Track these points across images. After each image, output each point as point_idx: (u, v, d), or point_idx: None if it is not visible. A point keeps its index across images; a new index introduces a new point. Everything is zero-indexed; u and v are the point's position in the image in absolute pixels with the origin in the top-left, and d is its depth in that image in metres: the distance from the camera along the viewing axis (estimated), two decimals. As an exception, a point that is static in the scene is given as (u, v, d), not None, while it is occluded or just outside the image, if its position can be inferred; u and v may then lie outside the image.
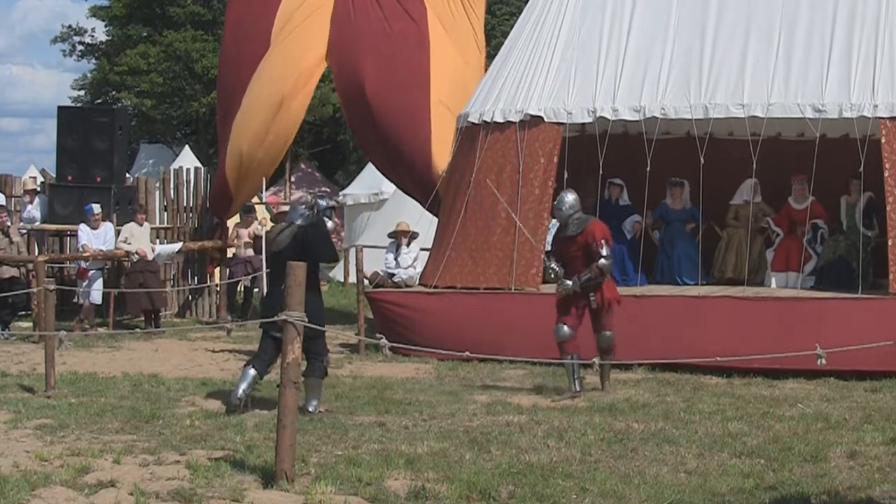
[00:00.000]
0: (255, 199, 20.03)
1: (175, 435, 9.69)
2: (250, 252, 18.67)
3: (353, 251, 20.20)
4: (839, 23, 14.38)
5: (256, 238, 15.66)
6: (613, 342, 12.00)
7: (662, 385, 12.61)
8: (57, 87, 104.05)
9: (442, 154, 16.89)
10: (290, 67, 18.29)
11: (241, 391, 10.72)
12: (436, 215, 16.57)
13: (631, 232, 16.00)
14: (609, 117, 14.80)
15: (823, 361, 10.16)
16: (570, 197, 12.13)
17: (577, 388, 11.74)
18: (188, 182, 20.14)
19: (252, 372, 10.83)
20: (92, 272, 17.23)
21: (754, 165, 14.22)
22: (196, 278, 19.97)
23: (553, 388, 12.23)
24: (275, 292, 10.82)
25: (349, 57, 18.32)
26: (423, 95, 17.81)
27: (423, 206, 17.21)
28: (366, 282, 16.06)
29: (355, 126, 19.45)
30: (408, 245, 16.66)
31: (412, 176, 17.92)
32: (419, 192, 17.61)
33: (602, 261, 11.77)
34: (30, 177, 21.58)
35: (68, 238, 19.29)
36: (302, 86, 18.50)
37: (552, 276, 12.22)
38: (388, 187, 25.15)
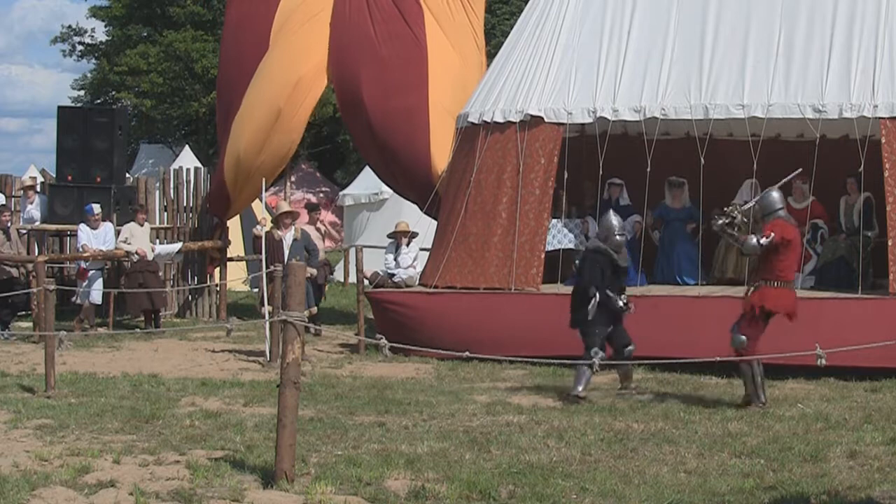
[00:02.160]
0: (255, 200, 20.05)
1: (175, 435, 9.69)
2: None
3: (352, 251, 20.19)
4: (839, 23, 14.39)
5: (257, 238, 15.64)
6: (743, 346, 11.22)
7: (662, 385, 12.62)
8: (56, 87, 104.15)
9: (442, 156, 16.88)
10: (290, 72, 18.26)
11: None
12: (435, 218, 16.57)
13: (631, 232, 15.99)
14: (609, 118, 14.81)
15: (823, 361, 10.17)
16: (774, 194, 11.52)
17: (763, 400, 11.20)
18: (188, 182, 20.15)
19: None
20: (92, 272, 17.22)
21: (754, 166, 14.22)
22: (196, 278, 19.97)
23: (557, 390, 12.22)
24: None
25: (347, 62, 18.32)
26: (421, 98, 17.81)
27: (422, 210, 17.21)
28: (366, 282, 16.06)
29: (354, 131, 19.44)
30: (407, 245, 16.66)
31: (411, 180, 17.91)
32: (418, 195, 17.60)
33: (752, 239, 11.17)
34: (29, 176, 21.57)
35: (68, 238, 19.29)
36: (302, 96, 18.46)
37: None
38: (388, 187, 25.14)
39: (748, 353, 11.09)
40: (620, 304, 11.93)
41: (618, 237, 12.02)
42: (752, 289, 11.38)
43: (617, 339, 12.07)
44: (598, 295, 11.77)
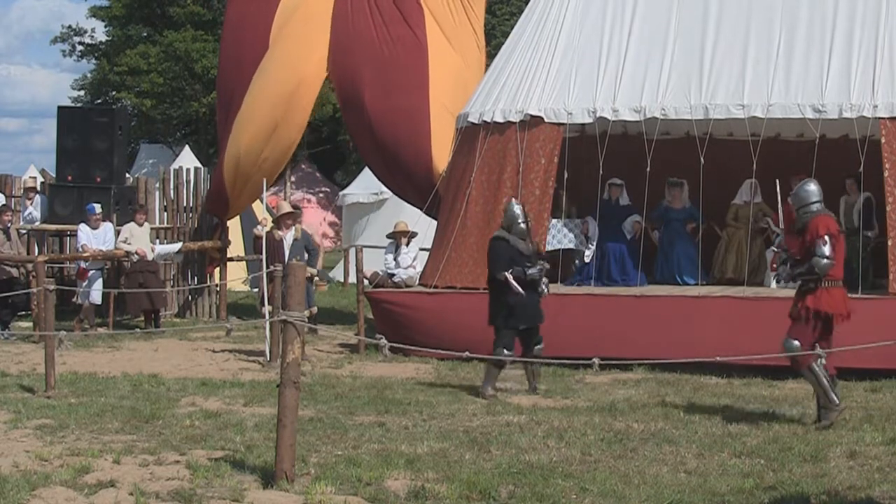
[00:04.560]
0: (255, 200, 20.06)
1: (175, 435, 9.68)
2: None
3: (352, 251, 20.20)
4: (839, 23, 14.39)
5: (257, 238, 15.64)
6: (797, 356, 10.32)
7: (662, 385, 12.62)
8: (55, 87, 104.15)
9: (442, 156, 16.89)
10: (292, 73, 18.26)
11: None
12: (435, 218, 16.57)
13: (631, 232, 16.00)
14: (609, 118, 14.81)
15: (823, 361, 10.18)
16: (811, 186, 10.73)
17: (837, 401, 10.28)
18: (188, 182, 20.15)
19: None
20: (92, 272, 17.21)
21: (754, 166, 14.22)
22: (196, 278, 19.97)
23: (544, 389, 12.22)
24: None
25: (348, 63, 18.33)
26: (422, 99, 17.82)
27: (422, 210, 17.22)
28: (366, 282, 16.06)
29: (354, 132, 19.45)
30: (407, 245, 16.65)
31: (412, 180, 17.91)
32: (418, 196, 17.60)
33: (818, 259, 10.26)
34: (30, 176, 21.58)
35: (68, 238, 19.28)
36: (304, 96, 18.46)
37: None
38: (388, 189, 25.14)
39: (804, 360, 10.23)
40: (539, 284, 12.00)
41: (521, 225, 12.11)
42: (801, 291, 10.44)
43: (529, 338, 12.12)
44: (509, 273, 11.83)
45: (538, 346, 12.11)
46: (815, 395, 10.46)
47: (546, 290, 12.33)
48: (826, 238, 10.23)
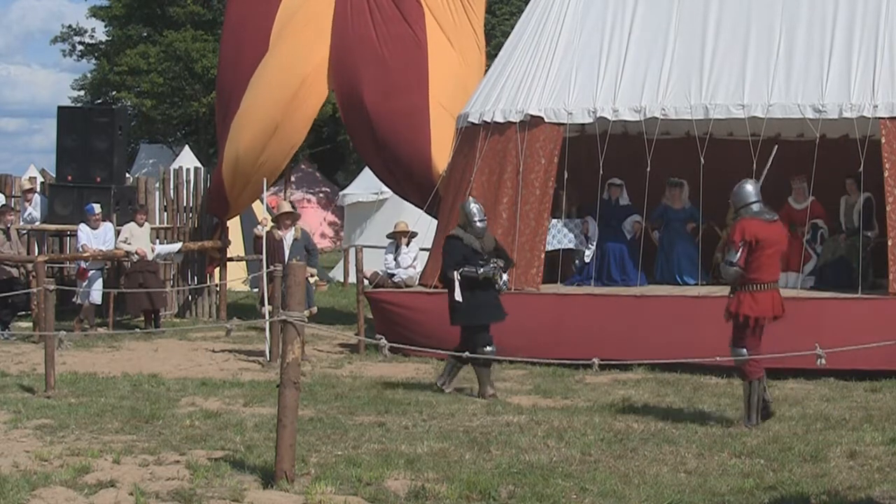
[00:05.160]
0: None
1: (175, 435, 9.68)
2: None
3: (352, 251, 20.19)
4: (839, 23, 14.40)
5: (257, 238, 15.64)
6: (741, 362, 10.32)
7: (662, 385, 12.62)
8: (54, 87, 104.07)
9: (442, 156, 16.89)
10: (293, 74, 18.24)
11: None
12: (435, 217, 16.57)
13: (631, 232, 16.01)
14: (609, 118, 14.81)
15: (823, 361, 10.17)
16: (748, 186, 10.49)
17: (754, 421, 10.26)
18: (188, 182, 20.15)
19: None
20: (92, 272, 17.21)
21: (754, 166, 14.21)
22: (196, 278, 19.97)
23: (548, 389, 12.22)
24: None
25: (348, 63, 18.32)
26: (421, 99, 17.82)
27: (422, 209, 17.21)
28: (366, 282, 16.06)
29: (354, 132, 19.44)
30: (407, 244, 16.65)
31: (411, 180, 17.91)
32: (418, 196, 17.60)
33: (724, 265, 10.39)
34: (29, 177, 21.57)
35: (68, 238, 19.28)
36: (306, 97, 18.45)
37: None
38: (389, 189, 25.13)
39: (750, 366, 10.22)
40: (495, 280, 11.94)
41: (477, 223, 12.06)
42: (730, 296, 10.44)
43: (479, 340, 12.03)
44: (457, 274, 11.78)
45: (489, 349, 11.96)
46: (745, 398, 10.42)
47: (504, 285, 12.22)
48: (738, 244, 10.11)
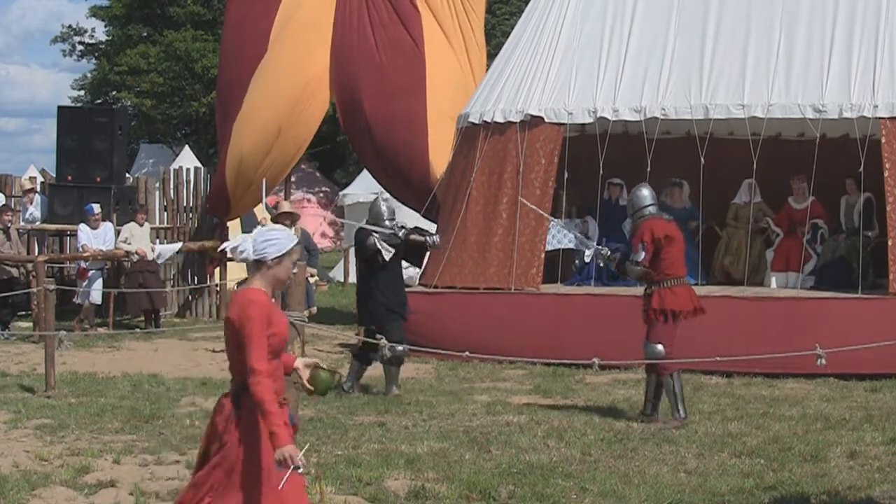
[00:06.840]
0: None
1: (175, 435, 9.69)
2: None
3: (353, 251, 20.18)
4: (839, 23, 14.39)
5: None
6: (661, 356, 10.53)
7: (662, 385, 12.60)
8: (54, 87, 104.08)
9: (440, 160, 16.89)
10: (297, 75, 18.20)
11: None
12: (433, 221, 16.56)
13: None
14: (609, 117, 14.80)
15: (823, 361, 10.16)
16: (643, 191, 10.91)
17: (683, 414, 10.50)
18: (188, 182, 20.14)
19: None
20: (92, 272, 17.21)
21: (754, 166, 14.22)
22: (196, 278, 19.96)
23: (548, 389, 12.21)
24: None
25: (346, 67, 18.31)
26: (420, 102, 17.81)
27: (420, 213, 17.22)
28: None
29: (354, 138, 19.43)
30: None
31: (410, 184, 17.91)
32: (417, 199, 17.60)
33: (629, 263, 10.70)
34: (29, 177, 21.59)
35: (68, 238, 19.28)
36: (311, 98, 18.43)
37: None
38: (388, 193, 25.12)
39: (669, 367, 10.41)
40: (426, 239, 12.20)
41: (386, 222, 12.14)
42: (646, 295, 10.66)
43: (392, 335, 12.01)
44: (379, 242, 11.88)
45: (401, 348, 11.93)
46: (664, 396, 10.57)
47: (434, 241, 12.46)
48: (648, 244, 10.42)
